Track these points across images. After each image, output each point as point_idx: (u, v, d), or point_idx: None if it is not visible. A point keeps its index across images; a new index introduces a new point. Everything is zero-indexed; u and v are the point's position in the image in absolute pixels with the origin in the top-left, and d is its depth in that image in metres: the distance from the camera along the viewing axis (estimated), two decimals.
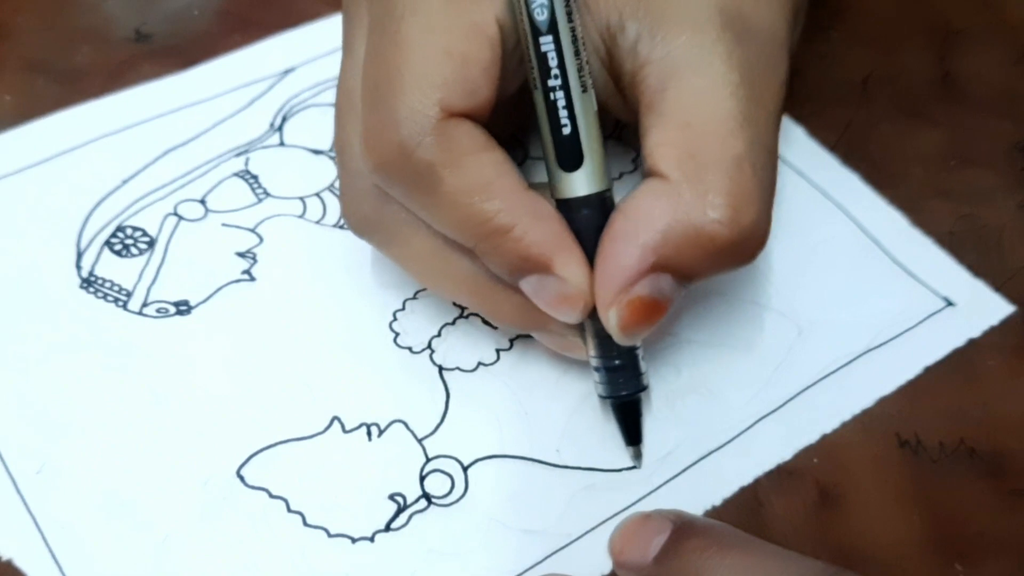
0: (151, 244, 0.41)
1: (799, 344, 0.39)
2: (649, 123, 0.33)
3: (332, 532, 0.35)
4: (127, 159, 0.44)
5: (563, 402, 0.38)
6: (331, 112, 0.44)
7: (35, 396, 0.37)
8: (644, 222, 0.32)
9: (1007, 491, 0.36)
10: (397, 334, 0.39)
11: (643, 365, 0.36)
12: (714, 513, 0.35)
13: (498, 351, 0.39)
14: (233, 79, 0.47)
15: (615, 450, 0.37)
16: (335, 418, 0.37)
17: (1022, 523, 0.36)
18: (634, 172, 0.43)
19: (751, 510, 0.36)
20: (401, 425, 0.37)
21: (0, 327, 0.39)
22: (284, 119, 0.45)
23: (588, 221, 0.33)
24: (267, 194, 0.43)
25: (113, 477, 0.35)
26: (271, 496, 0.35)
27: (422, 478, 0.36)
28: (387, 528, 0.35)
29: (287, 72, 0.47)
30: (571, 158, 0.33)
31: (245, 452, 0.36)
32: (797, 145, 0.45)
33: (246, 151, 0.44)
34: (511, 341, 0.39)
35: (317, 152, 0.44)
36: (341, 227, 0.42)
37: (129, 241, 0.41)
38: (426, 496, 0.35)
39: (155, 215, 0.42)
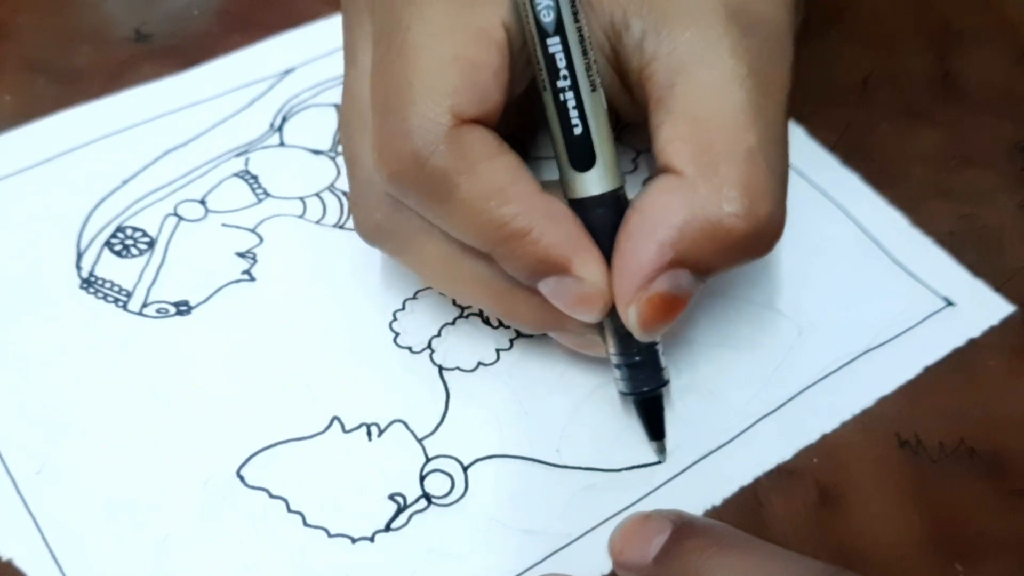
0: (151, 244, 0.41)
1: (799, 344, 0.39)
2: (659, 119, 0.33)
3: (332, 532, 0.34)
4: (127, 159, 0.43)
5: (563, 402, 0.37)
6: (331, 112, 0.45)
7: (35, 396, 0.37)
8: (660, 218, 0.32)
9: (1007, 491, 0.36)
10: (397, 334, 0.39)
11: (663, 360, 0.36)
12: (714, 513, 0.35)
13: (498, 351, 0.38)
14: (233, 79, 0.46)
15: (615, 450, 0.36)
16: (335, 418, 0.37)
17: (1022, 523, 0.35)
18: (635, 172, 0.43)
19: (751, 510, 0.35)
20: (401, 425, 0.37)
21: (0, 327, 0.38)
22: (284, 119, 0.45)
23: (603, 220, 0.33)
24: (267, 194, 0.42)
25: (113, 477, 0.35)
26: (271, 496, 0.35)
27: (422, 478, 0.35)
28: (387, 528, 0.34)
29: (287, 72, 0.47)
30: (583, 158, 0.33)
31: (245, 452, 0.36)
32: (797, 145, 0.45)
33: (246, 151, 0.44)
34: (511, 341, 0.39)
35: (317, 152, 0.44)
36: (341, 227, 0.42)
37: (129, 241, 0.41)
38: (426, 496, 0.35)
39: (155, 215, 0.42)
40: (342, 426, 0.36)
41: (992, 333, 0.40)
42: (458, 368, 0.38)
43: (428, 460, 0.36)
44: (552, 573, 0.34)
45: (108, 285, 0.40)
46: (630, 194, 0.34)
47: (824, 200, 0.43)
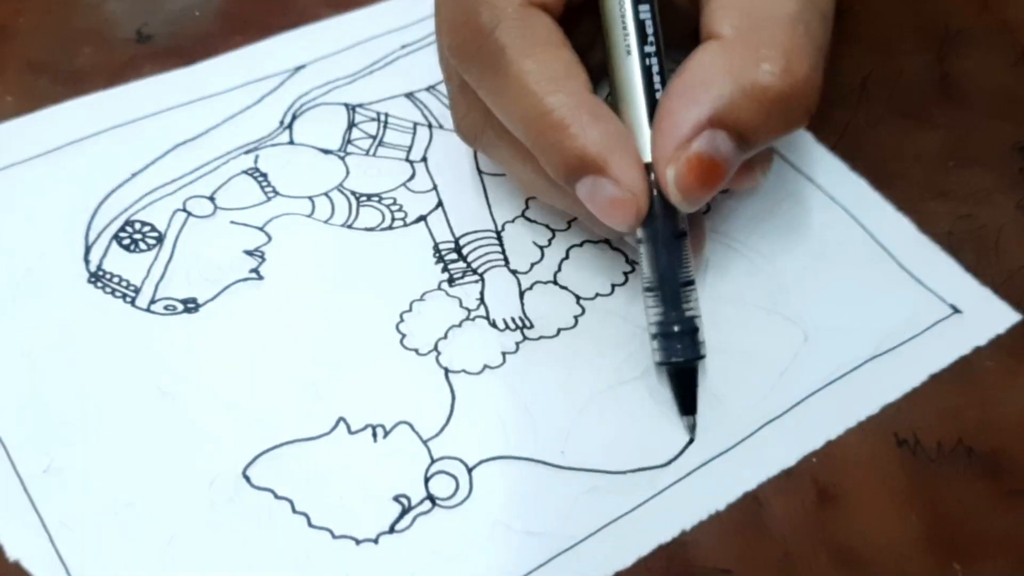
0: (160, 240, 0.40)
1: (805, 350, 0.38)
2: None
3: (337, 533, 0.34)
4: (136, 152, 0.43)
5: (568, 404, 0.37)
6: (341, 111, 0.44)
7: (42, 393, 0.36)
8: (699, 78, 0.32)
9: (1005, 491, 0.35)
10: (403, 335, 0.38)
11: (702, 334, 0.35)
12: (715, 515, 0.34)
13: (503, 354, 0.38)
14: (243, 75, 0.45)
15: (620, 453, 0.36)
16: (341, 419, 0.36)
17: (1020, 522, 0.35)
18: None
19: (750, 510, 0.35)
20: (406, 426, 0.36)
21: (8, 322, 0.38)
22: (294, 117, 0.44)
23: None
24: (276, 192, 0.42)
25: (119, 476, 0.34)
26: (276, 497, 0.34)
27: (427, 480, 0.35)
28: (391, 530, 0.34)
29: (298, 69, 0.46)
30: None
31: (251, 452, 0.35)
32: (804, 150, 0.44)
33: (255, 148, 0.43)
34: (516, 344, 0.38)
35: (326, 152, 0.43)
36: (350, 227, 0.41)
37: (138, 236, 0.40)
38: (431, 498, 0.34)
39: (164, 210, 0.41)
40: (348, 427, 0.36)
41: None
42: (464, 370, 0.37)
43: (433, 462, 0.35)
44: None
45: (116, 280, 0.39)
46: None
47: (831, 205, 0.42)
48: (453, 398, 0.37)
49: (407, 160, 0.43)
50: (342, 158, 0.43)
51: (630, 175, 0.33)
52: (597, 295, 0.39)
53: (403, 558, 0.33)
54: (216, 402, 0.36)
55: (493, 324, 0.38)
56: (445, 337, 0.38)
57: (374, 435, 0.36)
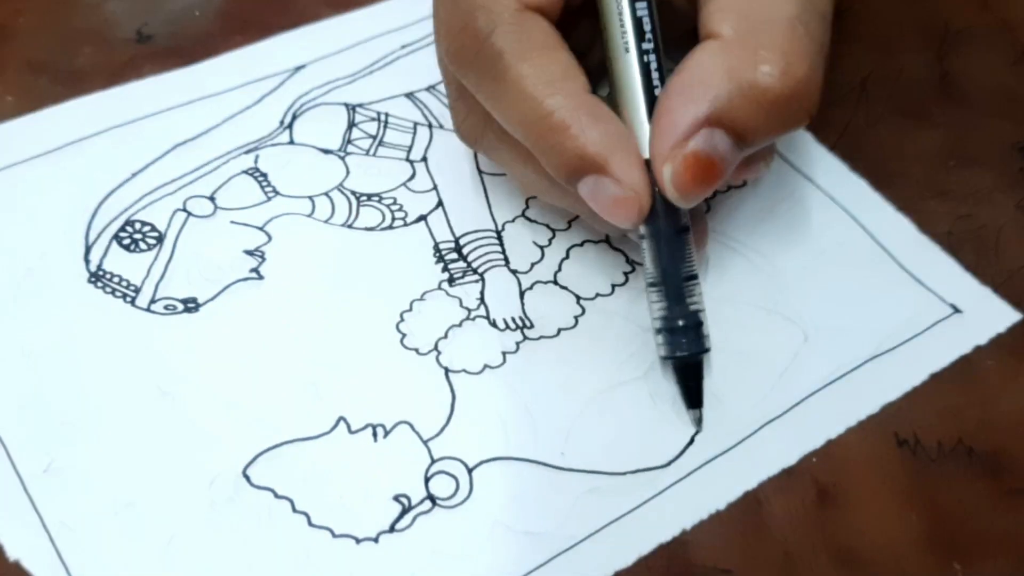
0: (160, 239, 0.40)
1: (805, 350, 0.38)
2: None
3: (337, 533, 0.33)
4: (136, 152, 0.42)
5: (568, 405, 0.36)
6: (341, 111, 0.44)
7: (42, 393, 0.36)
8: (698, 78, 0.32)
9: (1005, 490, 0.35)
10: (404, 335, 0.38)
11: (706, 328, 0.35)
12: (715, 514, 0.34)
13: (504, 354, 0.38)
14: (243, 75, 0.45)
15: (620, 454, 0.35)
16: (341, 418, 0.36)
17: (1020, 522, 0.35)
18: None
19: (750, 509, 0.35)
20: (407, 426, 0.36)
21: (8, 322, 0.37)
22: (294, 117, 0.44)
23: None
24: (276, 192, 0.41)
25: (119, 476, 0.34)
26: (276, 496, 0.34)
27: (427, 479, 0.35)
28: (391, 529, 0.34)
29: (298, 69, 0.45)
30: None
31: (251, 452, 0.35)
32: (804, 150, 0.44)
33: (256, 148, 0.43)
34: (517, 344, 0.38)
35: (327, 152, 0.43)
36: (350, 227, 0.41)
37: (138, 235, 0.40)
38: (431, 498, 0.34)
39: (164, 210, 0.41)
40: (348, 427, 0.35)
41: None
42: (464, 370, 0.37)
43: (433, 462, 0.35)
44: None
45: (116, 280, 0.39)
46: None
47: (831, 205, 0.42)
48: (453, 398, 0.36)
49: (407, 160, 0.43)
50: (342, 158, 0.43)
51: (631, 173, 0.33)
52: (597, 295, 0.39)
53: (403, 558, 0.33)
54: (216, 402, 0.36)
55: (493, 324, 0.38)
56: (445, 337, 0.38)
57: (374, 435, 0.35)
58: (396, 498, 0.34)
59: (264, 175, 0.42)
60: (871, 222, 0.42)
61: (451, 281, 0.39)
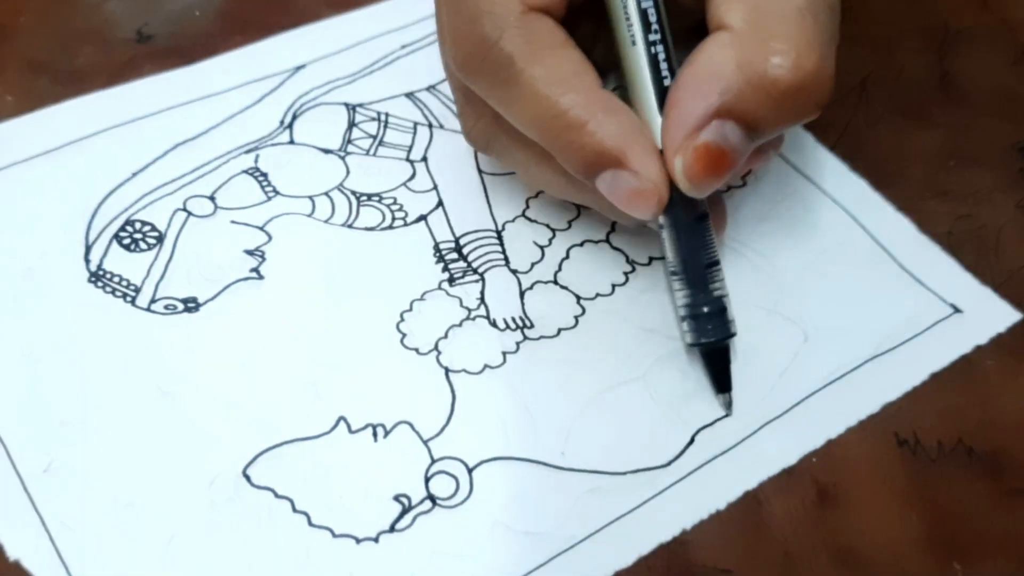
0: (160, 239, 0.40)
1: (805, 350, 0.38)
2: None
3: (337, 532, 0.33)
4: (136, 152, 0.42)
5: (568, 405, 0.36)
6: (341, 111, 0.44)
7: (42, 393, 0.36)
8: (709, 70, 0.32)
9: (1005, 490, 0.35)
10: (404, 335, 0.38)
11: (731, 312, 0.36)
12: (715, 514, 0.34)
13: (504, 354, 0.37)
14: (243, 74, 0.45)
15: (620, 453, 0.35)
16: (341, 418, 0.36)
17: (1020, 522, 0.35)
18: None
19: (750, 509, 0.34)
20: (407, 426, 0.36)
21: (8, 322, 0.37)
22: (294, 117, 0.44)
23: None
24: (276, 192, 0.41)
25: (119, 476, 0.34)
26: (277, 496, 0.34)
27: (427, 479, 0.34)
28: (392, 529, 0.33)
29: (298, 69, 0.45)
30: None
31: (251, 451, 0.35)
32: (804, 150, 0.44)
33: (256, 148, 0.43)
34: (517, 344, 0.38)
35: (327, 151, 0.43)
36: (350, 227, 0.40)
37: (138, 235, 0.40)
38: (431, 497, 0.34)
39: (164, 210, 0.41)
40: (348, 426, 0.35)
41: None
42: (464, 370, 0.37)
43: (433, 461, 0.35)
44: None
45: (116, 280, 0.38)
46: None
47: (832, 205, 0.42)
48: (453, 398, 0.36)
49: (407, 160, 0.43)
50: (342, 158, 0.43)
51: (649, 165, 0.33)
52: (597, 295, 0.39)
53: (403, 557, 0.33)
54: (216, 402, 0.36)
55: (493, 324, 0.38)
56: (445, 337, 0.38)
57: (374, 435, 0.35)
58: (396, 498, 0.34)
59: (264, 175, 0.42)
60: (871, 222, 0.42)
61: (451, 281, 0.39)
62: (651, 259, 0.40)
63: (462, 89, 0.37)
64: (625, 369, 0.37)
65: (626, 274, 0.40)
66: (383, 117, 0.44)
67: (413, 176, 0.42)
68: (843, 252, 0.41)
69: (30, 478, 0.34)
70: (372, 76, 0.45)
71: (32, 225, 0.40)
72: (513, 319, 0.38)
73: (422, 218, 0.41)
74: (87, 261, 0.39)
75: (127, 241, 0.40)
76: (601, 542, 0.34)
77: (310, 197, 0.41)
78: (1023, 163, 0.44)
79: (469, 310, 0.38)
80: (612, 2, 0.34)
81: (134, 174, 0.42)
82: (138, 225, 0.40)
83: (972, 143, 0.45)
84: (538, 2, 0.33)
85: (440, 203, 0.41)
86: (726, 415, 0.36)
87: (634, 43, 0.34)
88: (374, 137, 0.43)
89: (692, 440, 0.36)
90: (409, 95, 0.45)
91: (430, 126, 0.44)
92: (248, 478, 0.34)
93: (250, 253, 0.40)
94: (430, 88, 0.45)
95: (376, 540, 0.33)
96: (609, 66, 0.36)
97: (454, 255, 0.40)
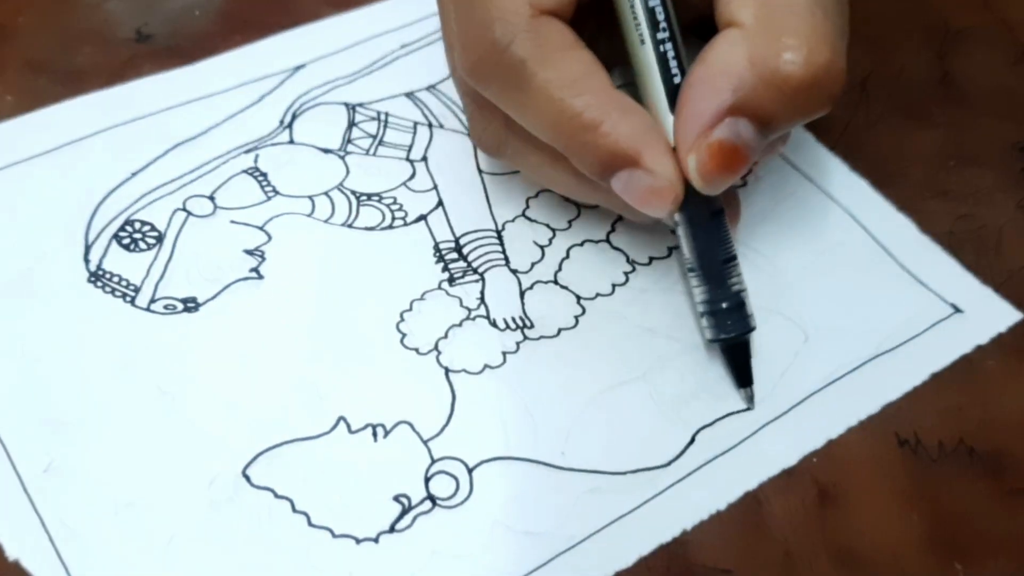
0: (159, 239, 0.40)
1: (806, 350, 0.38)
2: None
3: (337, 532, 0.33)
4: (136, 151, 0.42)
5: (568, 405, 0.36)
6: (341, 110, 0.44)
7: (42, 393, 0.36)
8: (721, 67, 0.32)
9: (1006, 490, 0.35)
10: (404, 335, 0.38)
11: (749, 307, 0.36)
12: (715, 514, 0.34)
13: (504, 354, 0.37)
14: (243, 74, 0.45)
15: (620, 453, 0.35)
16: (341, 418, 0.36)
17: (1021, 522, 0.35)
18: None
19: (751, 510, 0.34)
20: (407, 426, 0.35)
21: (8, 322, 0.37)
22: (294, 116, 0.44)
23: None
24: (276, 192, 0.41)
25: (119, 476, 0.34)
26: (276, 496, 0.34)
27: (427, 480, 0.34)
28: (391, 529, 0.33)
29: (297, 69, 0.45)
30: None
31: (251, 452, 0.35)
32: (804, 150, 0.44)
33: (255, 148, 0.43)
34: (517, 344, 0.38)
35: (327, 151, 0.43)
36: (350, 227, 0.40)
37: (138, 235, 0.40)
38: (431, 498, 0.34)
39: (164, 209, 0.40)
40: (348, 426, 0.35)
41: None
42: (464, 370, 0.37)
43: (433, 462, 0.35)
44: None
45: (116, 279, 0.38)
46: None
47: (832, 205, 0.42)
48: (453, 398, 0.36)
49: (407, 159, 0.43)
50: (342, 157, 0.43)
51: (664, 164, 0.33)
52: (598, 295, 0.39)
53: (403, 558, 0.33)
54: (216, 402, 0.36)
55: (493, 324, 0.38)
56: (445, 337, 0.38)
57: (374, 435, 0.35)
58: (396, 498, 0.34)
59: (264, 175, 0.42)
60: (871, 222, 0.42)
61: (451, 281, 0.39)
62: (651, 259, 0.40)
63: (472, 94, 0.37)
64: (625, 369, 0.37)
65: (626, 274, 0.40)
66: (383, 117, 0.44)
67: (413, 176, 0.42)
68: (843, 252, 0.41)
69: (30, 478, 0.34)
70: (372, 76, 0.45)
71: (32, 225, 0.40)
72: (513, 319, 0.38)
73: (422, 218, 0.41)
74: (87, 261, 0.39)
75: (127, 241, 0.40)
76: (601, 542, 0.33)
77: (310, 197, 0.41)
78: (1023, 163, 0.44)
79: (469, 310, 0.38)
80: (620, 1, 0.34)
81: (134, 174, 0.42)
82: (138, 225, 0.40)
83: (972, 143, 0.45)
84: (547, 5, 0.33)
85: (440, 203, 0.41)
86: (747, 408, 0.36)
87: (643, 42, 0.34)
88: (374, 137, 0.43)
89: (692, 440, 0.36)
90: (409, 95, 0.45)
91: (430, 126, 0.44)
92: (248, 478, 0.34)
93: (250, 253, 0.40)
94: (430, 88, 0.45)
95: (376, 540, 0.33)
96: (614, 62, 0.36)
97: (454, 255, 0.40)
